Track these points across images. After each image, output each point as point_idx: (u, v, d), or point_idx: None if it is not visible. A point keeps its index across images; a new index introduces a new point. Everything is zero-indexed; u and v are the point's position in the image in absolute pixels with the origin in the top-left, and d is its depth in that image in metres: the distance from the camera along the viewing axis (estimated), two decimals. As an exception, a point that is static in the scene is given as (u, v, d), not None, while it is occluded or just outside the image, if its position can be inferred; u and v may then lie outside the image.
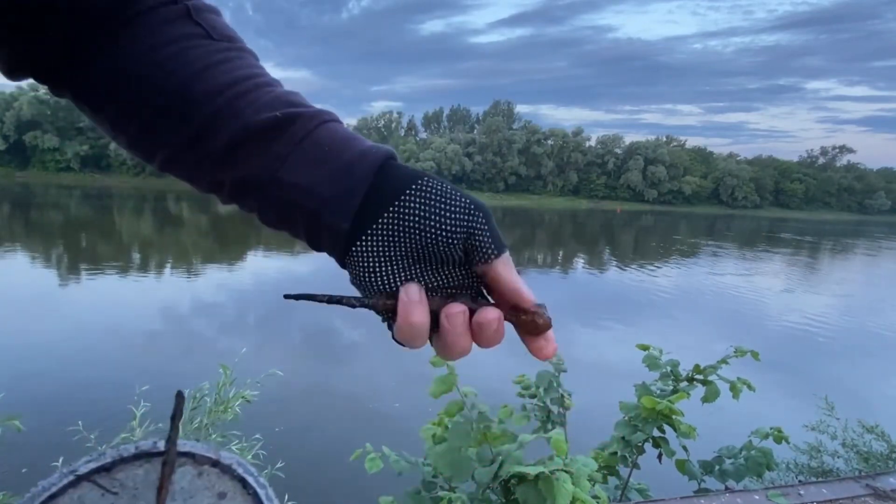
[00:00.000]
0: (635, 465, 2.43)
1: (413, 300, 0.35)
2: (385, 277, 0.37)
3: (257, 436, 2.38)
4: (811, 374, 9.18)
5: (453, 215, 0.35)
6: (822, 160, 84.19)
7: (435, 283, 0.37)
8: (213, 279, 13.95)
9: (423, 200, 0.36)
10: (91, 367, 7.22)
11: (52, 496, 0.27)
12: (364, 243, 0.37)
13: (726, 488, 2.46)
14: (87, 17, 0.38)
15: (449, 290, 0.38)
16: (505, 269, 0.37)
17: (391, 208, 0.36)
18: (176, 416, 0.30)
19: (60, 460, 1.94)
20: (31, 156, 56.23)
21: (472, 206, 0.36)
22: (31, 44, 0.38)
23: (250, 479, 0.29)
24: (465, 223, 0.36)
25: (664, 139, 77.18)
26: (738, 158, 79.74)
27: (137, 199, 39.49)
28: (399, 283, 0.36)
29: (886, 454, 3.44)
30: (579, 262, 23.71)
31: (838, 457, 3.59)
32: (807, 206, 77.14)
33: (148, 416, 2.23)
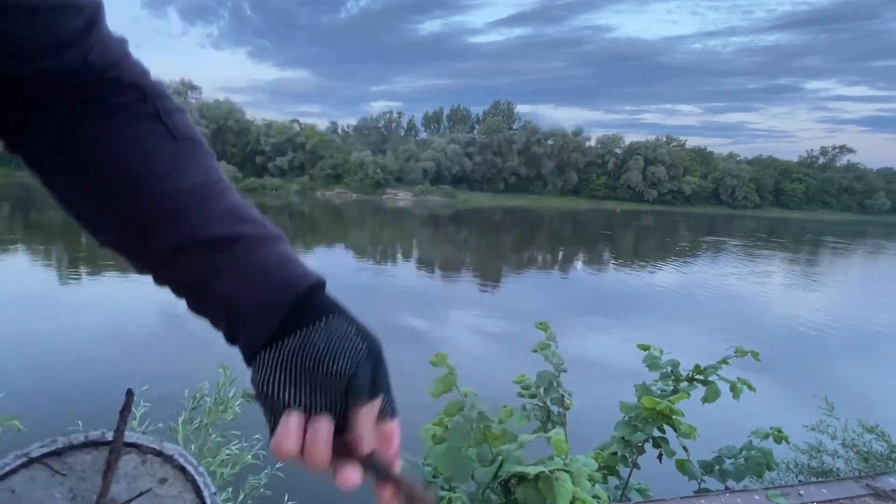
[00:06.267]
0: (635, 465, 2.43)
1: (290, 431, 0.39)
2: (276, 387, 0.40)
3: (257, 436, 2.37)
4: (811, 374, 9.18)
5: (345, 355, 0.40)
6: (822, 160, 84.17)
7: (318, 405, 0.41)
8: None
9: (324, 335, 0.41)
10: (91, 367, 7.22)
11: (6, 474, 0.31)
12: (266, 354, 0.41)
13: (726, 488, 2.46)
14: (56, 102, 0.42)
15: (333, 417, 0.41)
16: (362, 416, 0.40)
17: (296, 334, 0.41)
18: (125, 410, 0.34)
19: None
20: (31, 156, 56.19)
21: (365, 352, 0.41)
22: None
23: (190, 468, 0.32)
24: (352, 366, 0.40)
25: (664, 139, 77.19)
26: (738, 158, 79.76)
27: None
28: (287, 396, 0.40)
29: (886, 454, 3.44)
30: (579, 262, 23.72)
31: (838, 457, 3.58)
32: (807, 206, 77.12)
33: (148, 416, 2.23)
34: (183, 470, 0.32)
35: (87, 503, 0.30)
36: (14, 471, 0.31)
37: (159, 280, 0.46)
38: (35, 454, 0.32)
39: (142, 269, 0.46)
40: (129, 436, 0.34)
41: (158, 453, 0.33)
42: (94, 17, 0.44)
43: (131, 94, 0.44)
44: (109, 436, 0.33)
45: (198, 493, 0.31)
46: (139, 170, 0.43)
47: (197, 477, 0.32)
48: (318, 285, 0.43)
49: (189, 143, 0.46)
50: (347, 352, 0.41)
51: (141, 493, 0.31)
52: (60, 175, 0.44)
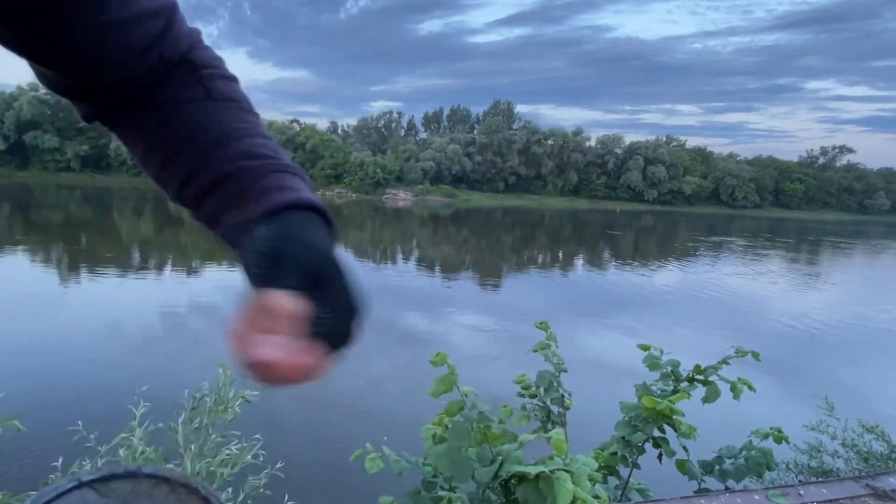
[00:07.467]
0: (635, 465, 2.43)
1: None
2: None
3: (257, 436, 2.37)
4: (811, 374, 9.18)
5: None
6: (822, 160, 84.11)
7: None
8: (213, 279, 13.93)
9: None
10: (91, 367, 7.22)
11: (61, 494, 0.36)
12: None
13: (726, 488, 2.46)
14: (131, 93, 0.50)
15: None
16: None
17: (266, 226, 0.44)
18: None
19: (60, 461, 1.94)
20: (32, 156, 56.16)
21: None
22: (96, 105, 0.51)
23: (212, 499, 0.38)
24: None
25: (664, 139, 77.22)
26: (738, 158, 79.80)
27: (137, 199, 39.47)
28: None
29: (886, 454, 3.43)
30: (580, 262, 23.71)
31: (838, 457, 3.58)
32: (807, 206, 77.10)
33: (148, 416, 2.23)
34: (206, 500, 0.39)
35: None
36: (69, 491, 0.36)
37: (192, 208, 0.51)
38: (86, 479, 0.37)
39: (174, 197, 0.52)
40: (160, 469, 0.41)
41: (185, 485, 0.39)
42: (171, 18, 0.48)
43: (188, 74, 0.51)
44: (145, 469, 0.40)
45: None
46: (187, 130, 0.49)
47: None
48: (300, 203, 0.45)
49: (223, 103, 0.51)
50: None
51: None
52: (135, 142, 0.53)
